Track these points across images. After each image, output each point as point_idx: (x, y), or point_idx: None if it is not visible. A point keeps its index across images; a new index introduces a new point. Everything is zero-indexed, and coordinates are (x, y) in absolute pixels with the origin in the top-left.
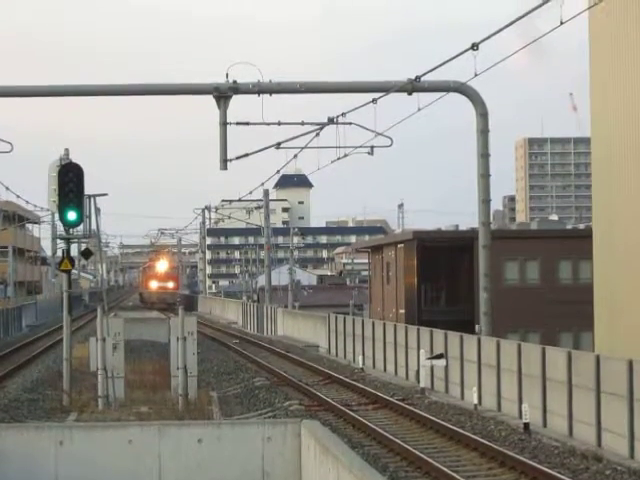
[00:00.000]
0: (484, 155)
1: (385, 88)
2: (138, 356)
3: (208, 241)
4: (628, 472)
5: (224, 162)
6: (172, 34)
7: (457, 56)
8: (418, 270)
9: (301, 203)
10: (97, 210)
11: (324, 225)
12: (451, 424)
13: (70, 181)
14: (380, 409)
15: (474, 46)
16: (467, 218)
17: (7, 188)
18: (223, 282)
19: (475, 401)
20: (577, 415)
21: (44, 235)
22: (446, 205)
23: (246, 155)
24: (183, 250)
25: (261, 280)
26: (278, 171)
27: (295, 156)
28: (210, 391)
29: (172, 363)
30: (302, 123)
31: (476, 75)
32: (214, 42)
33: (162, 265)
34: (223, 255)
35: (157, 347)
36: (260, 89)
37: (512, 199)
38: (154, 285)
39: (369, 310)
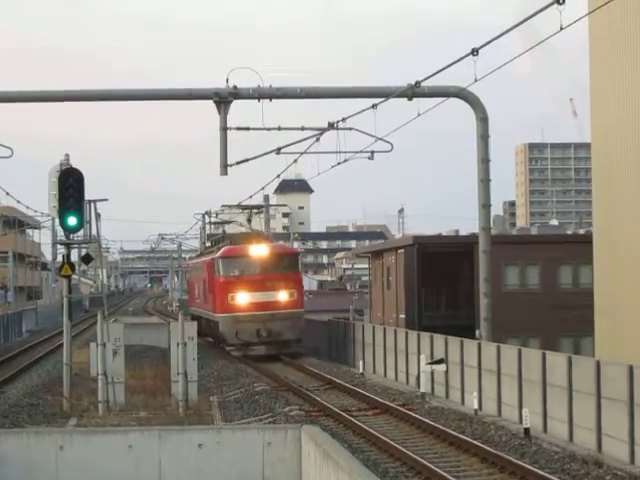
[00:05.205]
0: (484, 160)
1: (385, 93)
2: (138, 361)
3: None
4: (629, 477)
5: (224, 167)
6: (173, 40)
7: (457, 61)
8: (418, 275)
9: (301, 208)
10: (97, 215)
11: (324, 230)
12: (451, 429)
13: (70, 186)
14: (380, 414)
15: (474, 51)
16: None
17: (7, 193)
18: None
19: (475, 406)
20: (577, 420)
21: (44, 240)
22: (446, 210)
23: (246, 160)
24: (183, 255)
25: None
26: (278, 176)
27: (295, 161)
28: (210, 396)
29: (172, 368)
30: (302, 128)
31: (476, 80)
32: (215, 48)
33: (263, 250)
34: None
35: (157, 352)
36: (260, 94)
37: (512, 204)
38: (244, 298)
39: (369, 315)
